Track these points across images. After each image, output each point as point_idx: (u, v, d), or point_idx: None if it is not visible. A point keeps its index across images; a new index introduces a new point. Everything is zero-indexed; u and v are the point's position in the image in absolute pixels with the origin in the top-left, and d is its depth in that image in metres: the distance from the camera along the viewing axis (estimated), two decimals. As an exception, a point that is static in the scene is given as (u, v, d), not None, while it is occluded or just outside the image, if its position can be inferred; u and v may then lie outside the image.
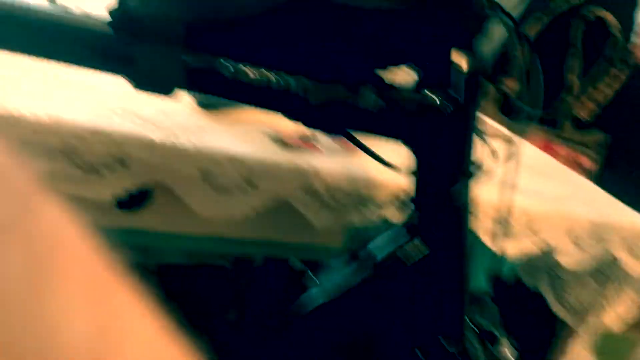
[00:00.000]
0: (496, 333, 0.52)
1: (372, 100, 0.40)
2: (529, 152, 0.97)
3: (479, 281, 0.71)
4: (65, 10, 0.36)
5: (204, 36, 0.36)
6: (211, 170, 0.51)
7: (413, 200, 0.46)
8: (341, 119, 0.41)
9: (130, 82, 0.36)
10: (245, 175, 0.53)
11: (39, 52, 0.35)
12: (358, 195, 0.58)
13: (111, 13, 0.35)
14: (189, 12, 0.35)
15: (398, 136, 0.43)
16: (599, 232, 0.73)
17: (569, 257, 0.72)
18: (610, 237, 0.74)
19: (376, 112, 0.41)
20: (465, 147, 0.44)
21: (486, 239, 0.66)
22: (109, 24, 0.35)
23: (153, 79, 0.36)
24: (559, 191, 0.79)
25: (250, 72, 0.37)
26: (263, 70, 0.37)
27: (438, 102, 0.42)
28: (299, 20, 0.38)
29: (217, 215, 0.53)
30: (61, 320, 0.12)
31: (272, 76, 0.38)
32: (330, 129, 0.42)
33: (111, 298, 0.13)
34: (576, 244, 0.72)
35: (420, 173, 0.45)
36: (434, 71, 0.42)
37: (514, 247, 0.68)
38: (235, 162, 0.52)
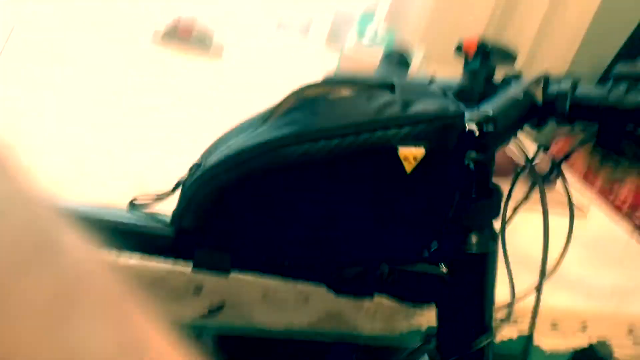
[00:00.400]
0: None
1: (390, 279, 0.46)
2: (598, 222, 0.96)
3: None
4: (140, 214, 0.46)
5: (248, 242, 0.44)
6: (270, 291, 0.60)
7: (437, 339, 0.52)
8: (364, 290, 0.47)
9: (191, 266, 0.46)
10: (299, 293, 0.61)
11: (117, 247, 0.45)
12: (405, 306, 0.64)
13: (172, 218, 0.45)
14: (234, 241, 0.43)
15: (417, 300, 0.49)
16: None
17: (627, 352, 0.73)
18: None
19: (395, 284, 0.47)
20: (484, 306, 0.49)
21: (540, 340, 0.70)
22: (171, 225, 0.45)
23: (209, 266, 0.45)
24: (624, 280, 0.79)
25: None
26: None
27: (452, 273, 0.47)
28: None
29: (277, 325, 0.62)
30: (85, 347, 0.12)
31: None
32: (355, 297, 0.48)
33: (133, 327, 0.14)
34: (636, 343, 0.72)
35: (440, 323, 0.50)
36: (449, 247, 0.47)
37: (566, 345, 0.71)
38: (289, 284, 0.60)
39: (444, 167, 0.42)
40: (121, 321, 0.13)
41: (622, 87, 0.50)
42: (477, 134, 0.43)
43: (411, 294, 0.49)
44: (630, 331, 0.72)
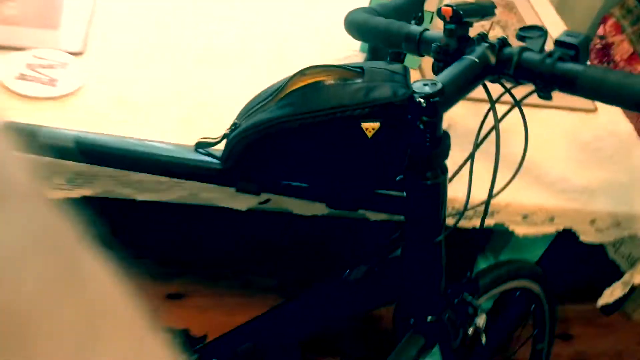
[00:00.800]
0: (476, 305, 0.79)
1: (368, 199, 0.67)
2: (607, 119, 1.07)
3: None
4: (202, 153, 0.68)
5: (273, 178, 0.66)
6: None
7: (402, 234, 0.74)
8: (351, 206, 0.69)
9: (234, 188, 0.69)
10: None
11: (183, 177, 0.69)
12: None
13: (220, 158, 0.67)
14: (260, 164, 0.65)
15: (387, 212, 0.70)
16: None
17: (589, 238, 0.92)
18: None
19: (371, 202, 0.68)
20: (438, 216, 0.69)
21: (513, 228, 0.89)
22: (220, 160, 0.67)
23: (246, 191, 0.68)
24: (601, 178, 0.94)
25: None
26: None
27: (413, 196, 0.67)
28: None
29: (307, 212, 0.86)
30: None
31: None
32: (345, 210, 0.70)
33: (148, 350, 0.16)
34: (597, 230, 0.90)
35: (406, 227, 0.71)
36: (411, 179, 0.66)
37: (536, 231, 0.90)
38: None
39: (397, 130, 0.61)
40: (138, 345, 0.15)
41: (557, 54, 0.64)
42: (424, 105, 0.60)
43: (383, 209, 0.70)
44: (593, 221, 0.90)
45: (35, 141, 0.66)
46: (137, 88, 0.91)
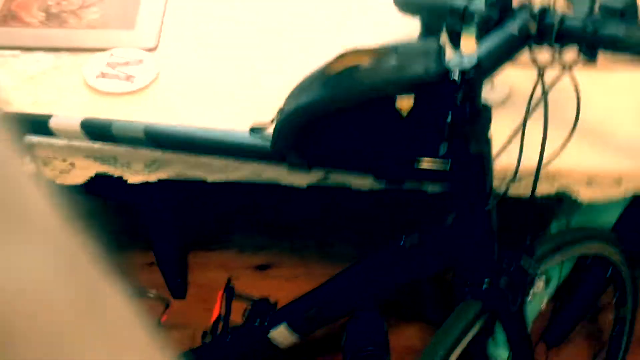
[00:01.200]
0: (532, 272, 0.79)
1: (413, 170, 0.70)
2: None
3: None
4: (256, 136, 0.74)
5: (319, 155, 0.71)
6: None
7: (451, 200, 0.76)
8: (396, 179, 0.72)
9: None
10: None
11: (240, 158, 0.75)
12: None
13: (271, 139, 0.72)
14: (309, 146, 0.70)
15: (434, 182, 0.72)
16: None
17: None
18: None
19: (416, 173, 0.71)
20: (485, 181, 0.71)
21: (577, 193, 0.88)
22: (270, 142, 0.73)
23: (296, 167, 0.73)
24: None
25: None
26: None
27: (457, 165, 0.69)
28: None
29: (364, 186, 0.90)
30: None
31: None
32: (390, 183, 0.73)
33: None
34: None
35: (453, 194, 0.73)
36: (455, 149, 0.68)
37: (600, 194, 0.88)
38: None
39: (433, 106, 0.63)
40: None
41: (597, 17, 0.63)
42: (459, 81, 0.62)
43: (429, 179, 0.72)
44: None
45: (110, 134, 0.75)
46: (205, 78, 0.98)
